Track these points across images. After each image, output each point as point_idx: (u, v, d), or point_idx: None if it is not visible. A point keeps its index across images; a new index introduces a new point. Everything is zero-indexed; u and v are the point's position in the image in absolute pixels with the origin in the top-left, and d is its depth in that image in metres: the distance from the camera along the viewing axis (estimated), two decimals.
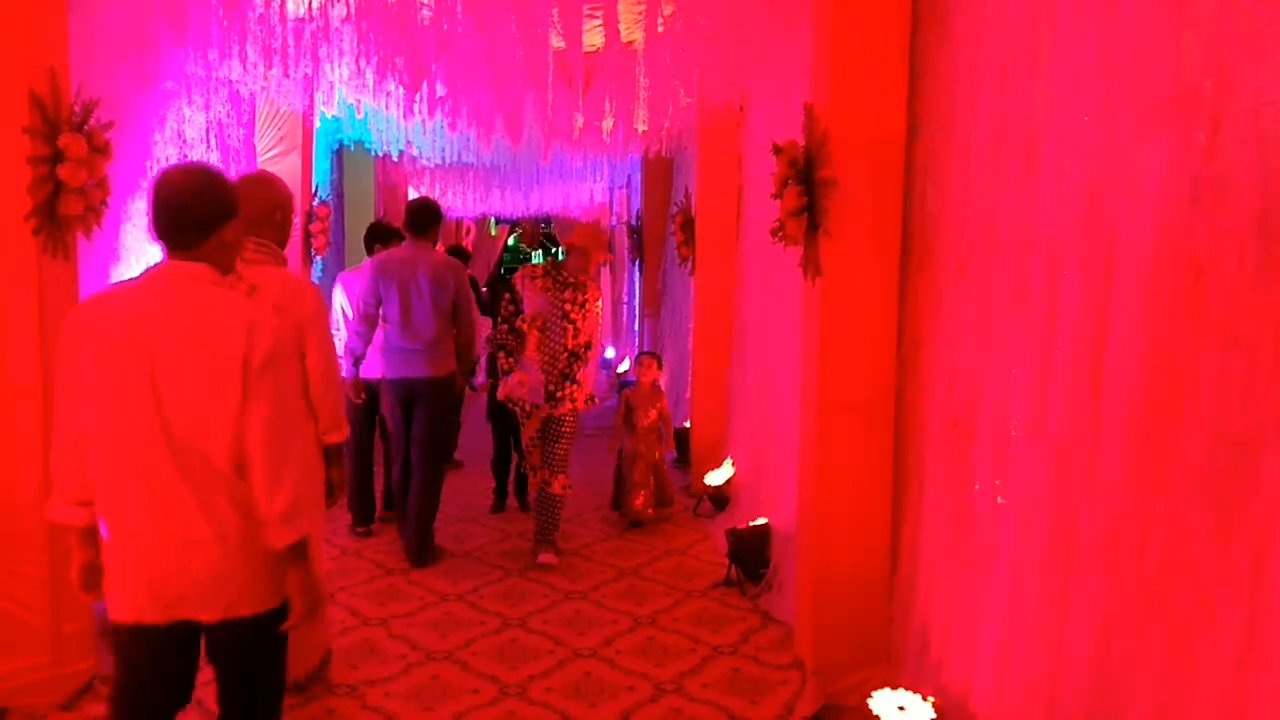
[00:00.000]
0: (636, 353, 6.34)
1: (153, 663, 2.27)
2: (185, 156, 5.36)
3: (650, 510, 5.89)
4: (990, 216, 2.97)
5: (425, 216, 5.25)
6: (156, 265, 2.21)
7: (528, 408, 5.06)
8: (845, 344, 3.47)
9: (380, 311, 5.12)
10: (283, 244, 3.22)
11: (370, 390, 5.44)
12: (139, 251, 4.84)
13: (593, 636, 4.19)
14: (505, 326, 5.18)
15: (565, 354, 5.04)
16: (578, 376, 5.06)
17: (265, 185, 3.22)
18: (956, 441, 3.12)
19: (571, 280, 5.09)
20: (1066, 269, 2.51)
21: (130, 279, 2.36)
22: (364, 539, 5.60)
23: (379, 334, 5.22)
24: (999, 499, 2.87)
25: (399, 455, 5.31)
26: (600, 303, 5.18)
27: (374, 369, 5.36)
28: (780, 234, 3.59)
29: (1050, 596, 2.52)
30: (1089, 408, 2.36)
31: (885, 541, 3.51)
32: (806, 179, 3.46)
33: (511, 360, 5.14)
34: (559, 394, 5.03)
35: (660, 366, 6.30)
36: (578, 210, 13.79)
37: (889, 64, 3.39)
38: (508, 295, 5.19)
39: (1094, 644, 2.29)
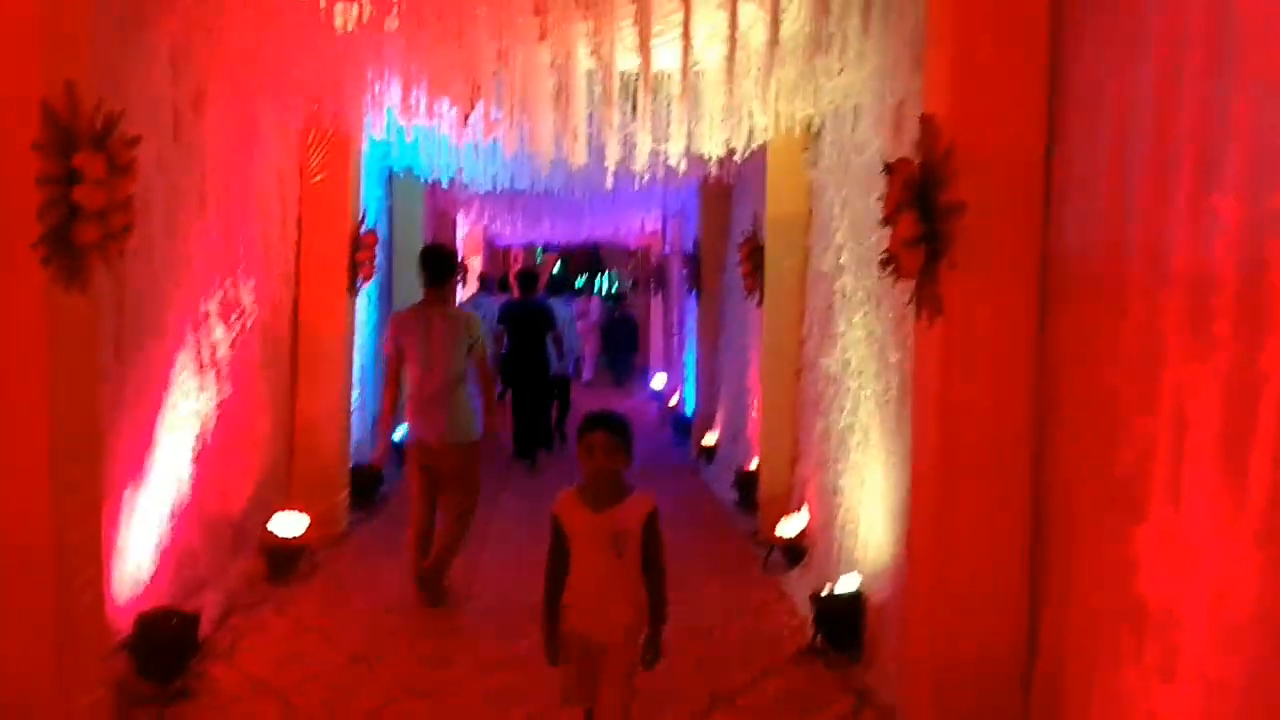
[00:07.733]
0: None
1: None
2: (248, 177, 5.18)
3: None
4: (1156, 246, 2.48)
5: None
6: None
7: None
8: (972, 393, 2.97)
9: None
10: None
11: None
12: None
13: (668, 716, 3.70)
14: None
15: None
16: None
17: None
18: (1117, 512, 2.60)
19: None
20: (1256, 301, 2.06)
21: None
22: None
23: None
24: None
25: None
26: None
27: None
28: (892, 266, 3.11)
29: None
30: None
31: (1021, 625, 2.99)
32: (924, 202, 2.99)
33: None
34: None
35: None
36: (629, 238, 13.39)
37: (1023, 66, 2.92)
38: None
39: None
